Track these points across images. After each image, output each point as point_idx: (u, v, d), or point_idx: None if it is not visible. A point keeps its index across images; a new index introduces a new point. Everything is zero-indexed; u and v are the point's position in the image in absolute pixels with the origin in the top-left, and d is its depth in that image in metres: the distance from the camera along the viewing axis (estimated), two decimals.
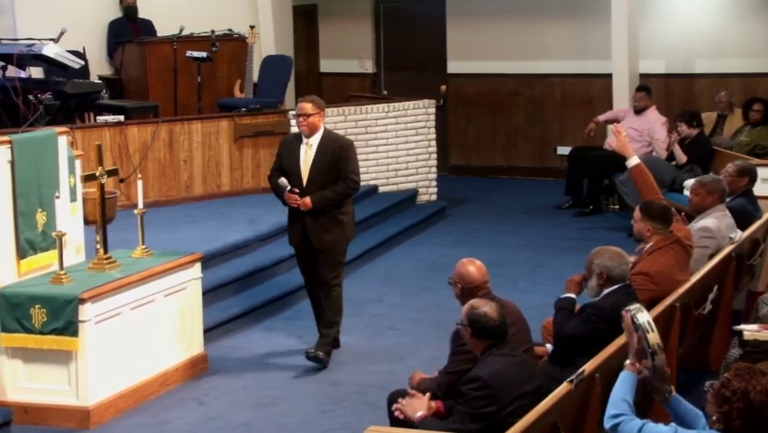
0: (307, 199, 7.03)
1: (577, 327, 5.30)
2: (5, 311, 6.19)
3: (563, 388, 4.51)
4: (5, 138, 6.58)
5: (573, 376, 4.54)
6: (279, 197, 7.18)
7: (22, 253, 6.65)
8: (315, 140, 7.11)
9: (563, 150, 12.76)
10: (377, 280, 9.17)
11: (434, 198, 11.53)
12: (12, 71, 9.93)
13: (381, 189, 11.09)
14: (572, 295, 5.56)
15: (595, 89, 12.97)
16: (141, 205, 6.97)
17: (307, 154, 7.12)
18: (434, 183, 11.55)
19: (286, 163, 7.18)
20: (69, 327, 6.16)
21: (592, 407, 4.74)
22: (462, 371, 4.85)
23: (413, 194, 11.32)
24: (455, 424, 4.55)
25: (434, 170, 11.52)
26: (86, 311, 6.19)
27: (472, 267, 5.32)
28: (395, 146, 11.25)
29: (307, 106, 7.04)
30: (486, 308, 4.78)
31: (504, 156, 13.67)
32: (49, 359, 6.24)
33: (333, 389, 6.82)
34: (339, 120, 10.78)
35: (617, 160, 8.66)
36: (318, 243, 7.11)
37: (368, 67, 14.23)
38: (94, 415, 6.24)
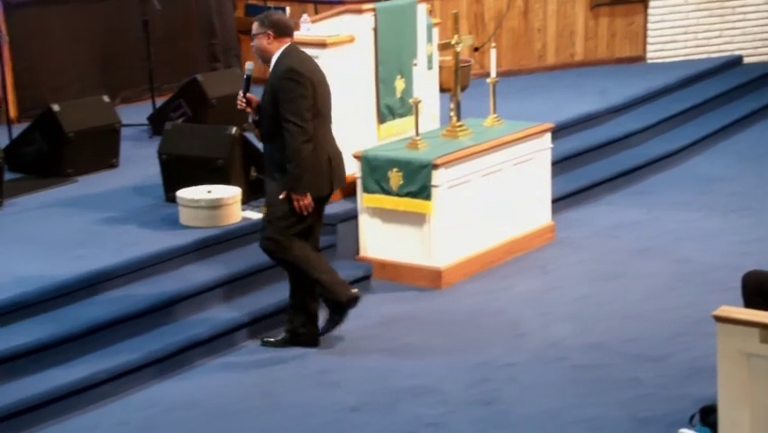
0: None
1: None
2: (367, 173, 6.55)
3: None
4: (370, 6, 6.85)
5: None
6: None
7: (381, 118, 6.99)
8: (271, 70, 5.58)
9: None
10: (733, 158, 8.79)
11: None
12: None
13: (746, 60, 10.50)
14: None
15: None
16: (493, 74, 7.05)
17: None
18: None
19: None
20: (423, 191, 6.42)
21: None
22: None
23: None
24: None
25: None
26: (439, 176, 6.42)
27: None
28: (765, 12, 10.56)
29: (253, 26, 5.64)
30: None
31: None
32: (404, 220, 6.55)
33: (681, 266, 6.69)
34: None
35: None
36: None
37: None
38: (445, 275, 6.52)
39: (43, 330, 5.19)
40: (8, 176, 6.89)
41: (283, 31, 5.49)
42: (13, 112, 8.40)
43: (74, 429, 4.88)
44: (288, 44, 5.51)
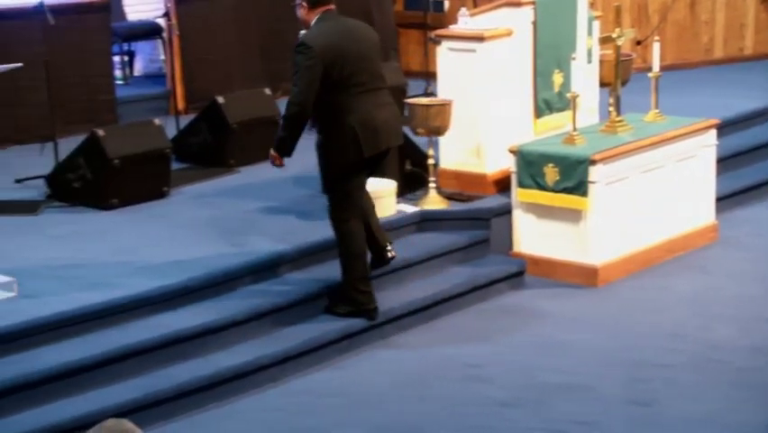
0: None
1: None
2: (522, 168, 6.49)
3: None
4: None
5: None
6: None
7: (538, 113, 6.92)
8: None
9: None
10: None
11: None
12: None
13: None
14: None
15: None
16: (656, 68, 6.88)
17: None
18: None
19: None
20: (580, 187, 6.32)
21: None
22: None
23: None
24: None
25: None
26: (596, 172, 6.31)
27: None
28: None
29: None
30: None
31: None
32: (559, 216, 6.47)
33: None
34: None
35: None
36: None
37: None
38: (601, 273, 6.41)
39: (208, 315, 5.34)
40: (175, 165, 7.13)
41: (316, 1, 5.47)
42: (180, 104, 8.68)
43: (232, 413, 5.01)
44: (321, 13, 5.47)
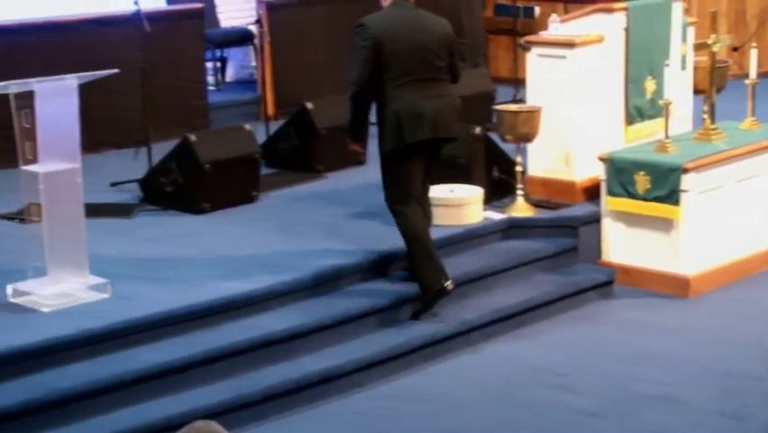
0: None
1: None
2: (612, 175, 6.41)
3: None
4: (622, 5, 6.71)
5: None
6: None
7: (629, 120, 6.84)
8: None
9: None
10: None
11: None
12: None
13: None
14: None
15: None
16: (753, 75, 6.75)
17: None
18: None
19: None
20: (672, 196, 6.22)
21: None
22: None
23: None
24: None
25: None
26: (689, 181, 6.21)
27: None
28: None
29: None
30: None
31: None
32: (650, 225, 6.37)
33: None
34: None
35: None
36: None
37: None
38: (693, 284, 6.30)
39: (296, 318, 5.39)
40: (264, 171, 7.21)
41: None
42: (270, 109, 8.77)
43: (318, 416, 5.04)
44: (394, 1, 5.59)
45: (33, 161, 5.14)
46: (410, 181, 5.57)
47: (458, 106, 5.65)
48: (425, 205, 5.73)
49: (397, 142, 5.48)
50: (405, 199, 5.56)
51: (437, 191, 6.37)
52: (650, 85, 6.86)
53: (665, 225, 6.32)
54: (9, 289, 5.29)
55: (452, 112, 5.60)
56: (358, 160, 7.33)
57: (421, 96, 5.48)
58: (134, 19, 7.05)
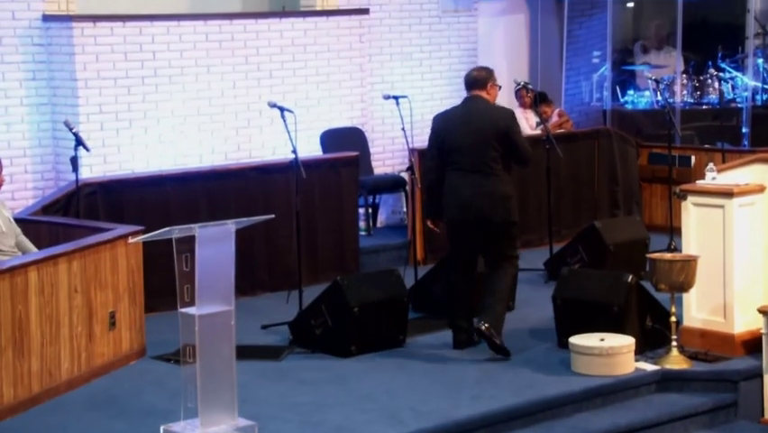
0: None
1: None
2: None
3: None
4: None
5: None
6: None
7: None
8: None
9: None
10: None
11: None
12: None
13: None
14: None
15: None
16: None
17: None
18: None
19: None
20: None
21: None
22: None
23: None
24: None
25: None
26: None
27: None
28: None
29: None
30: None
31: None
32: None
33: None
34: None
35: None
36: None
37: None
38: None
39: None
40: (411, 315, 7.22)
41: (466, 85, 6.68)
42: (420, 254, 8.83)
43: None
44: (467, 96, 6.66)
45: (191, 303, 5.29)
46: (457, 255, 6.70)
47: (495, 195, 6.47)
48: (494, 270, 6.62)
49: (444, 217, 6.70)
50: (449, 266, 6.80)
51: (588, 340, 6.24)
52: None
53: None
54: (162, 430, 5.39)
55: (488, 199, 6.48)
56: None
57: (461, 184, 6.52)
58: (292, 166, 7.30)
